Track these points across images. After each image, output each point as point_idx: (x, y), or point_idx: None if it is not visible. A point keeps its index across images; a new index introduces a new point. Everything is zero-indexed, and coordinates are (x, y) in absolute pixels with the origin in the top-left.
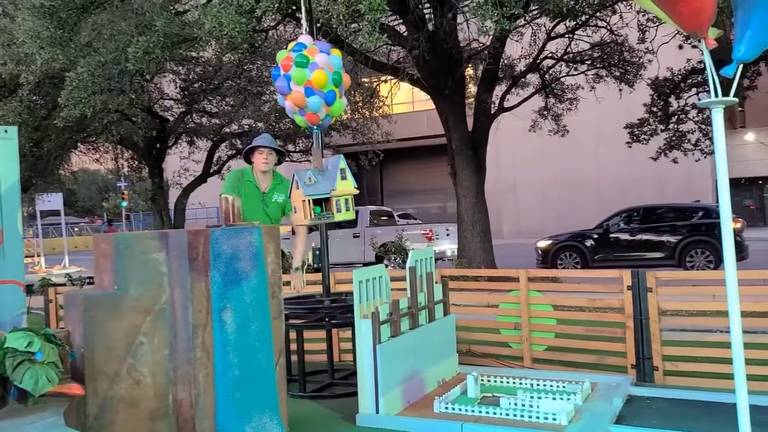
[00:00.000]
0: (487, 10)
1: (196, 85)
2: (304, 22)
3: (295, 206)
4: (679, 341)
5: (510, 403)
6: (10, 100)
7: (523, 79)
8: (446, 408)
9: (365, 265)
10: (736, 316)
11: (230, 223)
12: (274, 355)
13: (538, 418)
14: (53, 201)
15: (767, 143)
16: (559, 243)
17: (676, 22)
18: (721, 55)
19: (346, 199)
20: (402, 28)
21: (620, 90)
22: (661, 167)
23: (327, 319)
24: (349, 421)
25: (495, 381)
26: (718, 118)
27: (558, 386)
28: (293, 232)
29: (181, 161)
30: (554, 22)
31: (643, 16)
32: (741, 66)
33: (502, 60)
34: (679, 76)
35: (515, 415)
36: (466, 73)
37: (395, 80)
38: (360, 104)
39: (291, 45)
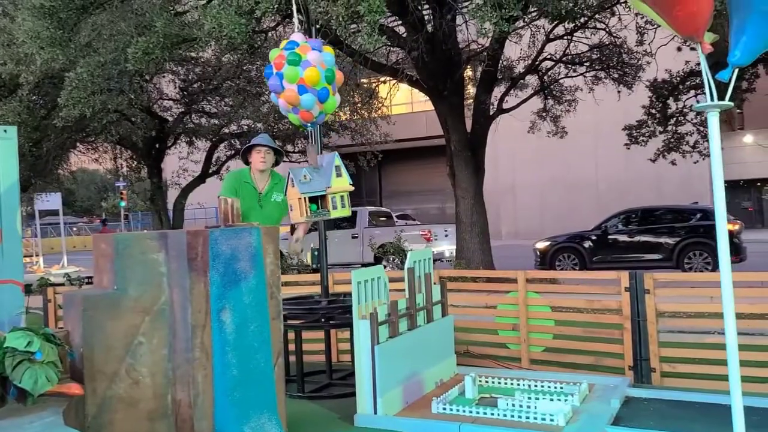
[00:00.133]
0: (486, 12)
1: (195, 86)
2: (295, 19)
3: (291, 204)
4: (677, 343)
5: (508, 404)
6: (9, 100)
7: (521, 81)
8: (444, 409)
9: (364, 265)
10: (730, 318)
11: (229, 224)
12: (272, 356)
13: (535, 419)
14: (52, 201)
15: (765, 145)
16: (558, 244)
17: (672, 27)
18: (720, 58)
19: (342, 196)
20: (401, 30)
21: (619, 92)
22: (660, 169)
23: (325, 320)
24: (347, 422)
25: (493, 382)
26: (713, 121)
27: (555, 387)
28: (292, 231)
29: (180, 161)
30: (553, 24)
31: (642, 18)
32: (737, 70)
33: (501, 61)
34: (678, 78)
35: (513, 416)
36: (465, 75)
37: (394, 81)
38: (359, 105)
39: (283, 43)
